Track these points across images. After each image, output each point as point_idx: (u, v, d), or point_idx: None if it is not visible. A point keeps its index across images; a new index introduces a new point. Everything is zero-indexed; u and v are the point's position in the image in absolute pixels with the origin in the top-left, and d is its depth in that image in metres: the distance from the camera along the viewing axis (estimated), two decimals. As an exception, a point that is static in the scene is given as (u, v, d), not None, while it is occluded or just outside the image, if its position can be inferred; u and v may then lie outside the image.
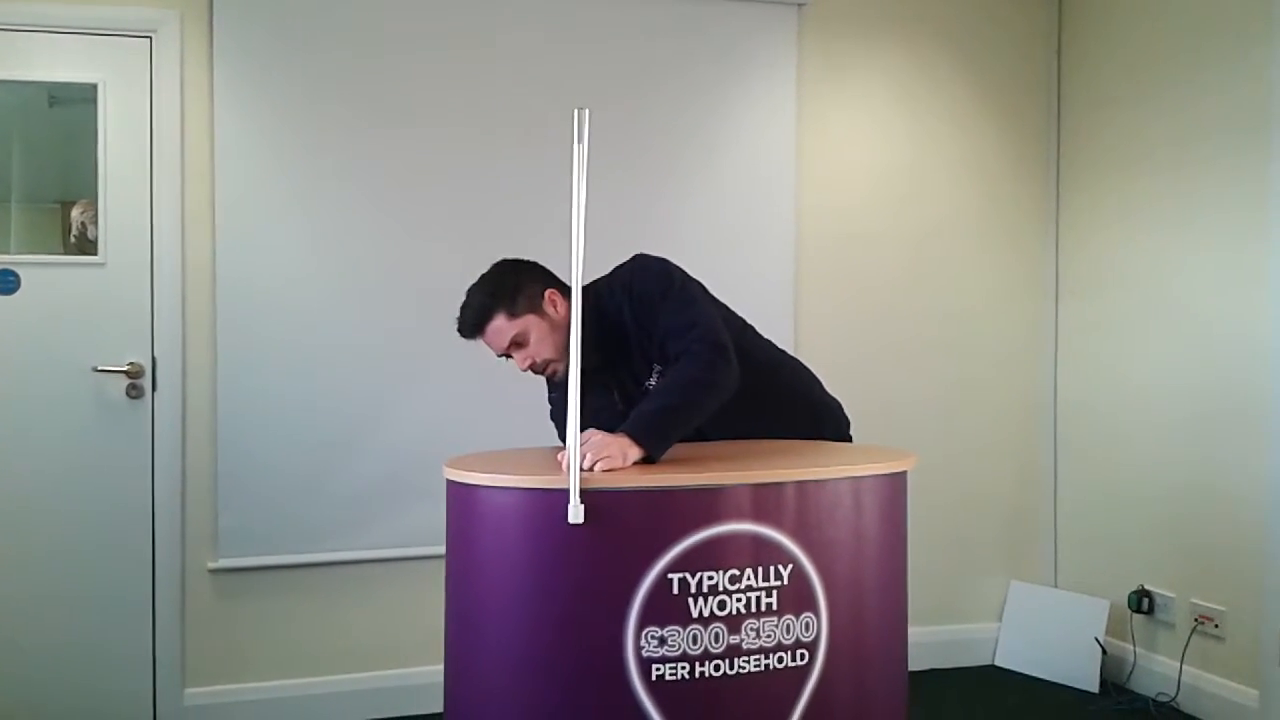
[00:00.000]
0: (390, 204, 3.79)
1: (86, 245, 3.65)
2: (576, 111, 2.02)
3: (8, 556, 3.53)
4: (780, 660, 2.07)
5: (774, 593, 2.07)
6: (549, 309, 2.52)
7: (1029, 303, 4.53)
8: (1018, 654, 4.39)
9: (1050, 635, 4.32)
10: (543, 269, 2.61)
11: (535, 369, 2.57)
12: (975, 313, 4.46)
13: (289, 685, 3.73)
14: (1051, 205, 4.54)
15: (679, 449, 2.31)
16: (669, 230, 3.99)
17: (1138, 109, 4.14)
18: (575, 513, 1.99)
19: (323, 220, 3.74)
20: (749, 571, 2.05)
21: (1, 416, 3.52)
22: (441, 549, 2.25)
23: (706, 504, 2.04)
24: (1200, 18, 3.86)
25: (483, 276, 2.57)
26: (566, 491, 1.98)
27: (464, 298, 2.55)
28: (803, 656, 2.09)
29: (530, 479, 2.06)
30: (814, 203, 4.24)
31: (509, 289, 2.51)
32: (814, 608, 2.10)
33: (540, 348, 2.52)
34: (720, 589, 2.03)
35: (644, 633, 2.00)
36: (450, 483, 2.18)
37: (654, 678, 2.00)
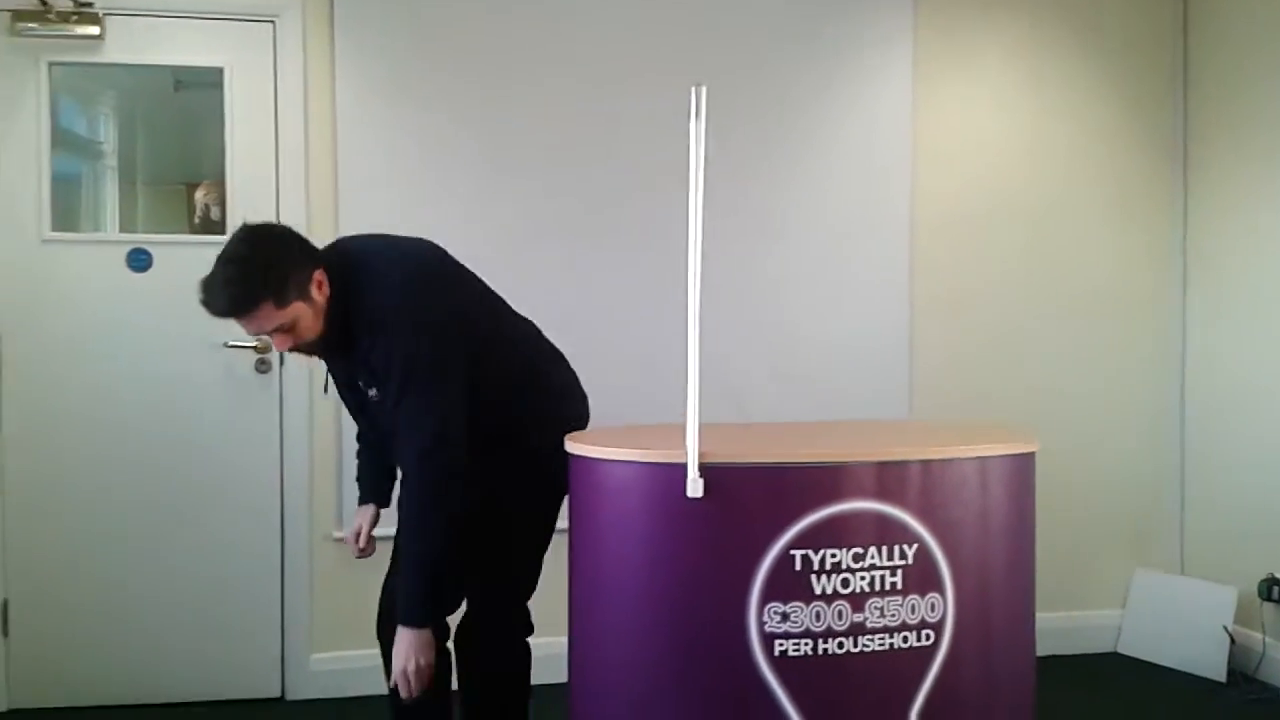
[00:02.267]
0: (514, 189, 3.83)
1: (211, 226, 3.76)
2: (694, 88, 2.01)
3: (141, 528, 3.67)
4: (905, 640, 2.05)
5: (899, 572, 2.04)
6: (315, 293, 2.33)
7: (1155, 284, 4.39)
8: (1141, 641, 4.27)
9: (1176, 623, 4.19)
10: (301, 242, 2.39)
11: (295, 349, 2.41)
12: (1099, 294, 4.34)
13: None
14: (1179, 184, 4.38)
15: (799, 427, 2.30)
16: (780, 206, 3.98)
17: (1271, 82, 3.96)
18: (694, 486, 1.99)
19: (445, 204, 3.79)
20: (873, 550, 2.03)
21: (138, 390, 3.65)
22: (565, 522, 2.28)
23: (829, 481, 2.03)
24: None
25: (243, 255, 2.29)
26: (685, 465, 1.99)
27: (217, 268, 2.27)
28: (928, 637, 2.06)
29: (649, 452, 2.07)
30: (930, 181, 4.17)
31: (279, 276, 2.28)
32: (940, 588, 2.07)
33: (306, 333, 2.36)
34: (844, 567, 2.02)
35: (766, 608, 2.00)
36: (572, 457, 2.21)
37: (777, 653, 2.00)
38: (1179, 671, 4.09)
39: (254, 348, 3.69)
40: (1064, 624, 4.25)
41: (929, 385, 4.16)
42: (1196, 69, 4.33)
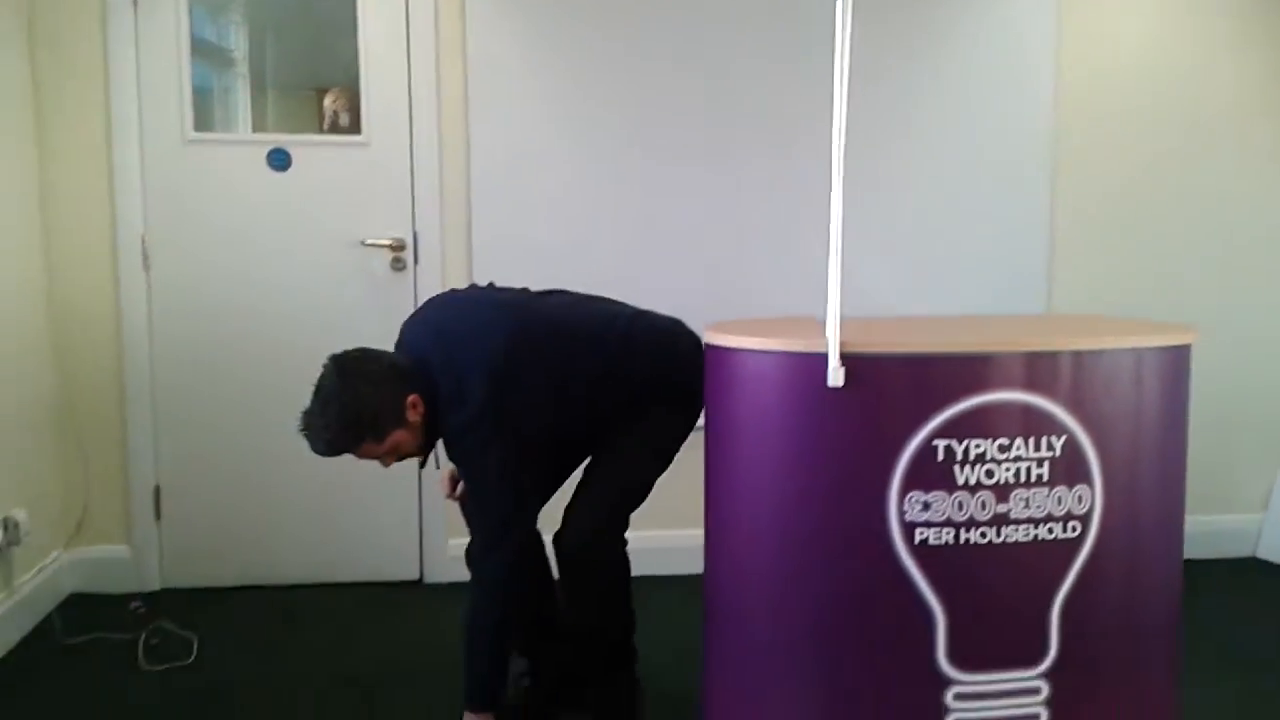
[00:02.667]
0: (644, 88, 3.79)
1: (340, 133, 3.81)
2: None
3: (285, 417, 3.77)
4: (1050, 531, 2.03)
5: (1045, 464, 2.02)
6: (411, 415, 2.48)
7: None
8: (1282, 547, 4.16)
9: (1320, 530, 4.07)
10: (392, 370, 2.50)
11: (401, 460, 2.57)
12: (1251, 188, 4.13)
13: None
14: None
15: (942, 320, 2.26)
16: (918, 101, 3.88)
17: None
18: (835, 375, 1.98)
19: (578, 106, 3.78)
20: (1019, 441, 2.00)
21: (279, 285, 3.76)
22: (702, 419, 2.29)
23: (975, 371, 2.00)
24: None
25: (338, 396, 2.42)
26: (826, 354, 1.98)
27: (315, 408, 2.44)
28: (1074, 529, 2.04)
29: (789, 341, 2.06)
30: (1075, 75, 3.99)
31: (371, 415, 2.43)
32: (1088, 481, 2.04)
33: (408, 448, 2.53)
34: (988, 457, 2.00)
35: (908, 497, 2.00)
36: (710, 347, 2.21)
37: (917, 542, 2.00)
38: (1321, 578, 3.99)
39: (390, 245, 3.76)
40: (1201, 528, 4.11)
41: (1069, 283, 4.05)
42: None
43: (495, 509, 2.51)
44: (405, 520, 3.88)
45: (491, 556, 2.51)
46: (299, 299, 3.77)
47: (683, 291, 3.79)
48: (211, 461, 3.80)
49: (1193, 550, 4.04)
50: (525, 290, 2.78)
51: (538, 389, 2.51)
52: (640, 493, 2.67)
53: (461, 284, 3.78)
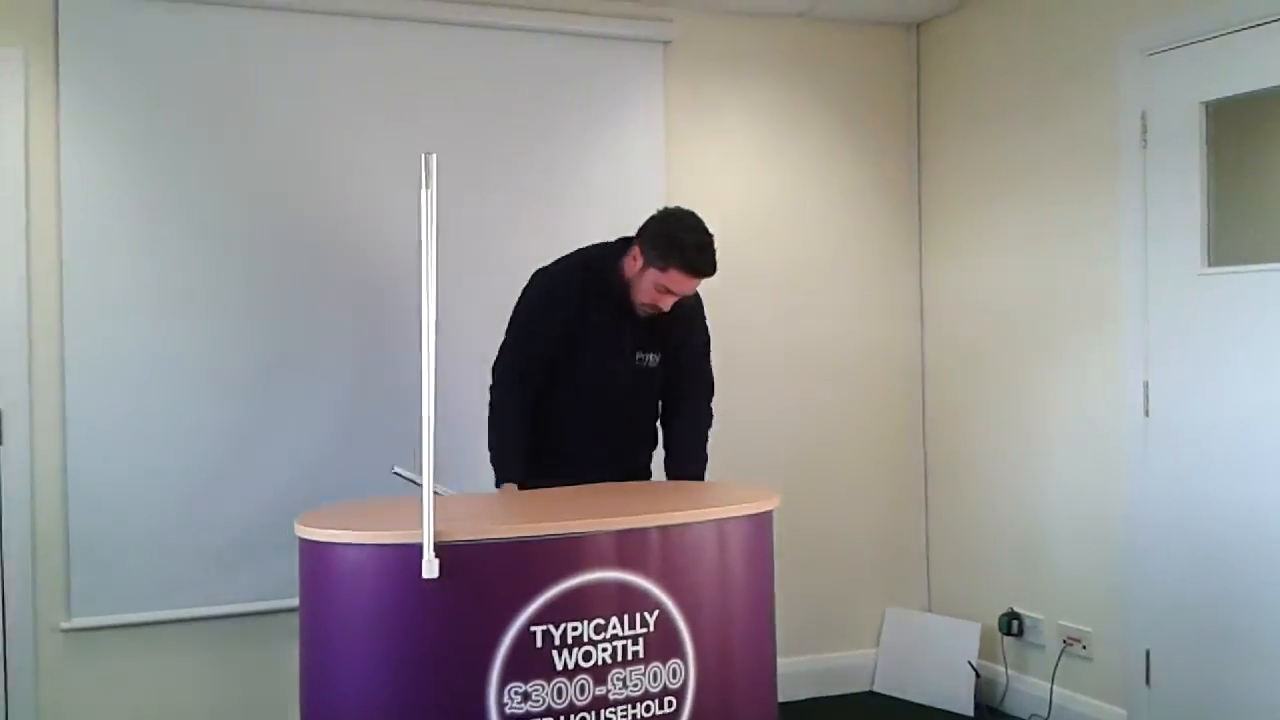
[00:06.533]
0: (247, 243, 3.67)
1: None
2: (424, 156, 1.99)
3: None
4: (648, 710, 2.05)
5: (640, 640, 2.04)
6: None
7: (897, 329, 4.58)
8: (895, 679, 4.42)
9: (925, 659, 4.36)
10: None
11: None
12: (844, 342, 4.49)
13: (149, 748, 3.57)
14: (915, 233, 4.61)
15: (538, 497, 2.27)
16: (530, 262, 3.97)
17: (991, 140, 4.24)
18: (429, 567, 1.93)
19: (175, 263, 3.60)
20: (614, 620, 2.03)
21: None
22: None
23: (568, 553, 2.01)
24: (1048, 53, 3.98)
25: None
26: (420, 546, 1.93)
27: (708, 240, 2.95)
28: (671, 704, 2.07)
29: (382, 534, 2.01)
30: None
31: None
32: (681, 653, 2.08)
33: None
34: (585, 639, 2.00)
35: (507, 689, 1.96)
36: (302, 540, 2.11)
37: (518, 734, 1.96)
38: (930, 707, 4.24)
39: (-30, 425, 3.41)
40: (822, 665, 4.36)
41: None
42: (928, 128, 4.57)
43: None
44: (-14, 734, 3.44)
45: None
46: None
47: (293, 455, 3.67)
48: None
49: (814, 688, 4.30)
50: None
51: None
52: None
53: (54, 465, 3.48)
